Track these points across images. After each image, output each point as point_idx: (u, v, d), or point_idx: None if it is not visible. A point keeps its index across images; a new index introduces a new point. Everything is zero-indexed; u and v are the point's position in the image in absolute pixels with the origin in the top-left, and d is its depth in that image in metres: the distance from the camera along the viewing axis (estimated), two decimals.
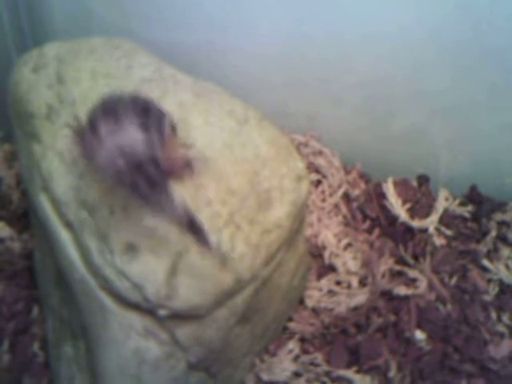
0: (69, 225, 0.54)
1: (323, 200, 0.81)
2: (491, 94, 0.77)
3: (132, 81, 0.61)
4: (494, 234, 0.78)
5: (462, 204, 0.81)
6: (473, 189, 0.83)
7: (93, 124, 0.43)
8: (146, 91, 0.59)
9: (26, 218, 0.75)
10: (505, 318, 0.71)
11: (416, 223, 0.77)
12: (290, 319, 0.69)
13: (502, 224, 0.79)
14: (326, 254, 0.75)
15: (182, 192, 0.52)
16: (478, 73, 0.75)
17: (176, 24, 0.80)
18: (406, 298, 0.71)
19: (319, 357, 0.67)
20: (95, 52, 0.64)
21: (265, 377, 0.64)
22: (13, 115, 0.64)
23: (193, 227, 0.43)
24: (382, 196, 0.80)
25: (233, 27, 0.79)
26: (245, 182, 0.55)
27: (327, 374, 0.65)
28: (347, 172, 0.84)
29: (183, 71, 0.63)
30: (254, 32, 0.79)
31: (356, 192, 0.81)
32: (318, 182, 0.83)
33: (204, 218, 0.52)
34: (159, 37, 0.78)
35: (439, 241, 0.77)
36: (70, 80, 0.61)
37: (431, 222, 0.77)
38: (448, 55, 0.75)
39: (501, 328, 0.71)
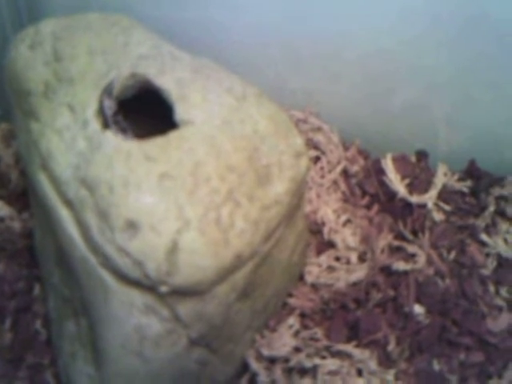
0: (68, 203, 0.54)
1: (322, 176, 0.81)
2: (489, 67, 0.76)
3: (129, 57, 0.60)
4: (492, 208, 0.78)
5: (461, 179, 0.81)
6: (471, 164, 0.83)
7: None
8: (143, 68, 0.59)
9: (25, 197, 0.75)
10: (503, 291, 0.72)
11: (415, 199, 0.77)
12: (290, 295, 0.70)
13: (500, 198, 0.80)
14: (325, 230, 0.75)
15: (180, 171, 0.52)
16: (476, 46, 0.75)
17: (174, 0, 0.80)
18: (405, 272, 0.72)
19: (319, 332, 0.67)
20: (92, 28, 0.63)
21: (265, 352, 0.65)
22: (10, 93, 0.63)
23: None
24: (380, 172, 0.80)
25: (231, 3, 0.78)
26: (244, 158, 0.55)
27: (327, 348, 0.66)
28: (346, 148, 0.84)
29: (181, 48, 0.63)
30: (253, 7, 0.78)
31: (355, 168, 0.81)
32: (317, 159, 0.83)
33: (203, 194, 0.52)
34: (157, 13, 0.78)
35: (438, 216, 0.77)
36: (67, 57, 0.61)
37: (430, 198, 0.77)
38: (446, 29, 0.75)
39: (499, 301, 0.71)
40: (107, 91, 0.57)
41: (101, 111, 0.56)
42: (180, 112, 0.56)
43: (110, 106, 0.57)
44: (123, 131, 0.56)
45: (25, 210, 0.76)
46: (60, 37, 0.62)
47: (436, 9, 0.73)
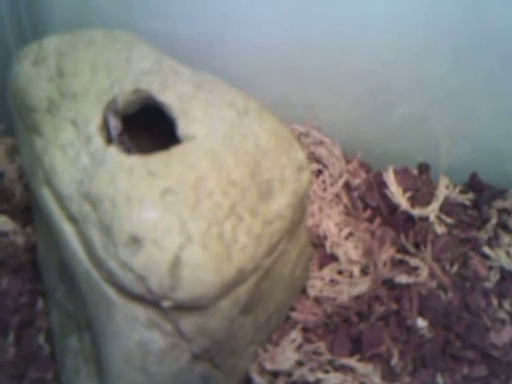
0: (72, 218, 0.54)
1: (324, 190, 0.81)
2: (490, 79, 0.77)
3: (132, 73, 0.61)
4: (494, 221, 0.78)
5: (463, 192, 0.81)
6: (473, 176, 0.83)
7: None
8: (146, 83, 0.60)
9: (28, 212, 0.75)
10: (506, 304, 0.72)
11: (417, 212, 0.77)
12: (293, 309, 0.70)
13: (502, 211, 0.80)
14: (328, 244, 0.75)
15: (182, 186, 0.52)
16: (478, 59, 0.75)
17: (176, 15, 0.80)
18: (408, 286, 0.72)
19: (322, 346, 0.67)
20: (94, 44, 0.64)
21: (268, 366, 0.65)
22: (14, 109, 0.64)
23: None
24: (382, 185, 0.80)
25: (233, 18, 0.79)
26: (246, 173, 0.56)
27: (330, 362, 0.66)
28: (348, 161, 0.84)
29: (183, 63, 0.63)
30: (254, 22, 0.79)
31: (357, 181, 0.81)
32: (319, 172, 0.83)
33: (205, 209, 0.52)
34: (159, 28, 0.78)
35: (440, 229, 0.77)
36: (70, 73, 0.61)
37: (432, 211, 0.78)
38: (447, 42, 0.75)
39: (502, 315, 0.71)
40: (112, 109, 0.57)
41: (104, 127, 0.57)
42: (182, 127, 0.57)
43: (115, 125, 0.57)
44: (128, 151, 0.56)
45: (28, 224, 0.76)
46: (63, 53, 0.62)
47: (437, 22, 0.74)
